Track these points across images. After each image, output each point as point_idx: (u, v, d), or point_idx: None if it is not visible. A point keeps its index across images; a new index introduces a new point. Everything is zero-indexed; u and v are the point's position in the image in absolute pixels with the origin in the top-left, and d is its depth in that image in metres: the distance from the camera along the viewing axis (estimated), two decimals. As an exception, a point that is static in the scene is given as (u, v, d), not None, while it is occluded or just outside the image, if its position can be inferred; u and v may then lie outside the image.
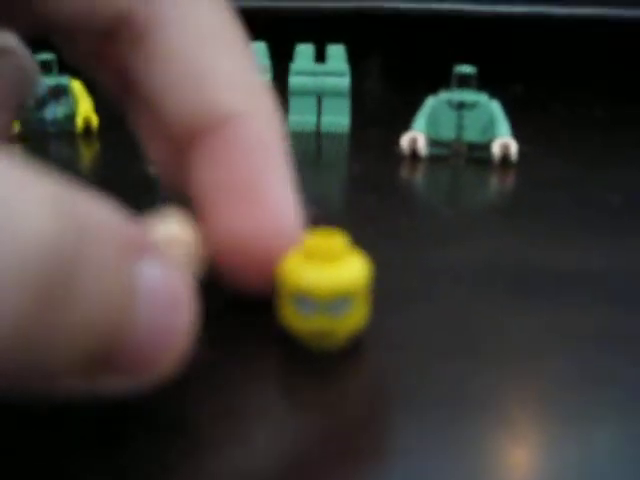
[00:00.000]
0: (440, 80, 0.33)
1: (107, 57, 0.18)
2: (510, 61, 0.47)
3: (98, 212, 0.12)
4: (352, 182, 0.31)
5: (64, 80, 0.35)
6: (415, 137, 0.32)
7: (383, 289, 0.18)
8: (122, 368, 0.13)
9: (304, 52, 0.35)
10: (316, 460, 0.14)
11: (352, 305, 0.16)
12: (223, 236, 0.17)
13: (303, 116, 0.35)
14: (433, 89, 0.33)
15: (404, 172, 0.31)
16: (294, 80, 0.35)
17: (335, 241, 0.16)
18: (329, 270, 0.16)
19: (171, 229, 0.17)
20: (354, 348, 0.17)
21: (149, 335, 0.13)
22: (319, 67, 0.35)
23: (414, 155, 0.32)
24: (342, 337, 0.17)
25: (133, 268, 0.12)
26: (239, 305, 0.20)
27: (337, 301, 0.16)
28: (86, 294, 0.11)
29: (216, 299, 0.20)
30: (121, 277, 0.12)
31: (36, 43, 0.20)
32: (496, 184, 0.30)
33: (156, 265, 0.13)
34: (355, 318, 0.17)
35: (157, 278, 0.13)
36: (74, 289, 0.11)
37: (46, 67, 0.35)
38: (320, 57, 0.35)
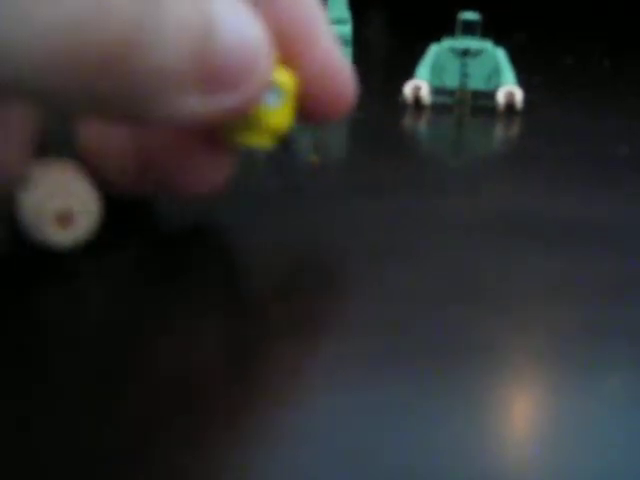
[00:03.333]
0: (444, 27, 0.32)
1: None
2: (514, 9, 0.46)
3: None
4: (355, 131, 0.30)
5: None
6: (418, 85, 0.31)
7: (387, 237, 0.18)
8: (219, 81, 0.16)
9: None
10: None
11: (282, 100, 0.18)
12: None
13: (304, 65, 0.34)
14: (437, 36, 0.32)
15: (407, 121, 0.30)
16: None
17: None
18: None
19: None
20: (356, 294, 0.17)
21: (233, 49, 0.16)
22: (320, 14, 0.34)
23: (417, 104, 0.31)
24: (270, 131, 0.18)
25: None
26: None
27: (272, 91, 0.18)
28: (173, 4, 0.14)
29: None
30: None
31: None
32: (501, 132, 0.30)
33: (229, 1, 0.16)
34: (283, 114, 0.18)
35: (231, 9, 0.16)
36: None
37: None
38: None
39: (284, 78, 0.18)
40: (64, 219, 0.18)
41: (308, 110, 0.19)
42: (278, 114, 0.18)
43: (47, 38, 0.13)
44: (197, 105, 0.16)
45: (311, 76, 0.18)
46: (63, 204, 0.18)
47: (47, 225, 0.18)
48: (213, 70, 0.16)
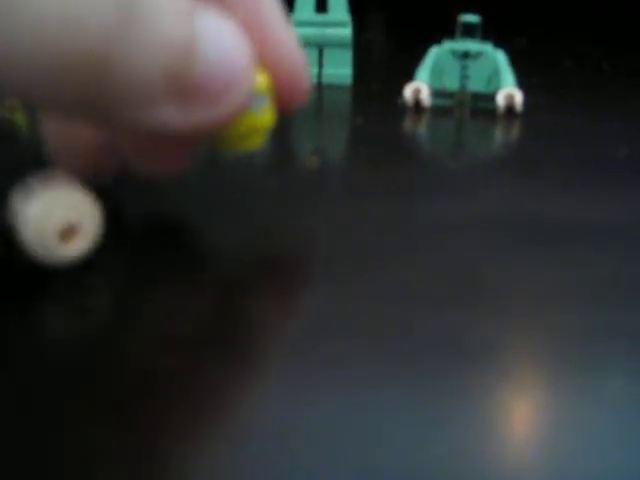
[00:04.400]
0: (444, 30, 0.33)
1: None
2: (514, 12, 0.47)
3: None
4: (355, 134, 0.30)
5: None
6: (418, 88, 0.31)
7: (387, 239, 0.18)
8: (198, 97, 0.16)
9: (305, 2, 0.34)
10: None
11: (266, 103, 0.18)
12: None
13: (304, 68, 0.34)
14: (437, 39, 0.32)
15: (408, 123, 0.30)
16: (295, 31, 0.34)
17: None
18: None
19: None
20: (356, 295, 0.17)
21: (214, 66, 0.16)
22: (320, 17, 0.34)
23: (417, 106, 0.31)
24: (260, 133, 0.19)
25: (194, 17, 0.15)
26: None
27: (256, 98, 0.18)
28: (154, 22, 0.14)
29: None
30: (183, 18, 0.15)
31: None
32: (501, 135, 0.30)
33: (215, 18, 0.16)
34: (268, 116, 0.19)
35: (216, 26, 0.16)
36: (144, 14, 0.14)
37: None
38: (321, 7, 0.34)
39: (262, 79, 0.18)
40: (68, 233, 0.17)
41: None
42: (264, 117, 0.18)
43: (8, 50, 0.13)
44: (175, 117, 0.16)
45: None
46: (66, 218, 0.17)
47: (51, 240, 0.17)
48: (191, 86, 0.16)
